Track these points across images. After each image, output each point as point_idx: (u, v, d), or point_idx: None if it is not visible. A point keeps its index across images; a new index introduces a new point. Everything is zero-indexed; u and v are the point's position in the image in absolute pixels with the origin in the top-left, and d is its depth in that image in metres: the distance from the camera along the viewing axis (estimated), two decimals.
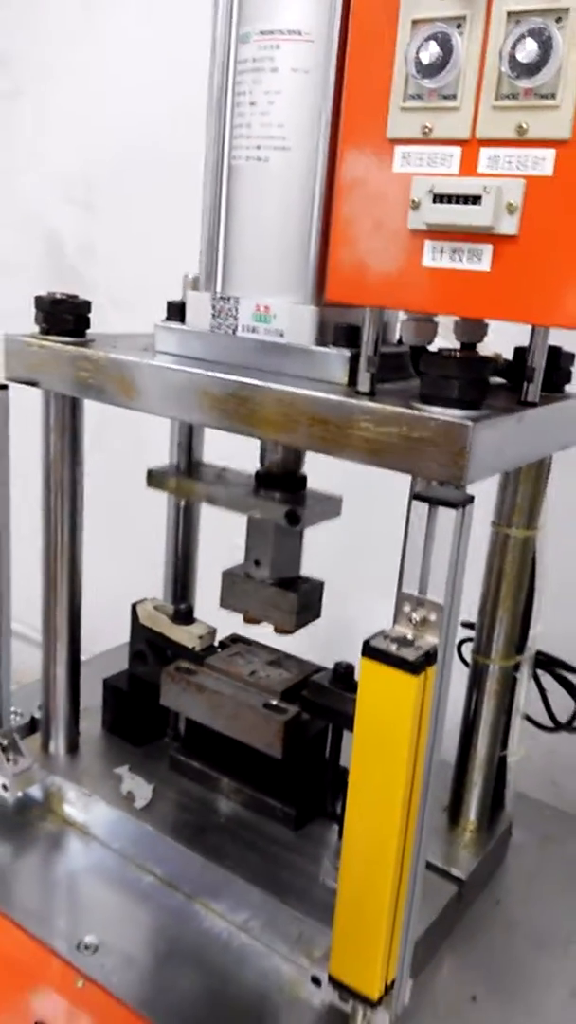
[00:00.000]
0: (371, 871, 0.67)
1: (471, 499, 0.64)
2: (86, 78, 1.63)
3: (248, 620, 0.98)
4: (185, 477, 1.03)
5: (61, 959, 0.82)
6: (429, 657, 0.62)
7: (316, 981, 0.75)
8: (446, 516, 0.62)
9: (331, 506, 0.95)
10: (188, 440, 1.08)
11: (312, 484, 0.95)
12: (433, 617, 0.64)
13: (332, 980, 0.71)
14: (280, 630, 0.96)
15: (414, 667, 0.61)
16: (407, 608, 0.65)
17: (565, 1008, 0.82)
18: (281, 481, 0.94)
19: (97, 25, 1.60)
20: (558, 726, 0.97)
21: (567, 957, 0.88)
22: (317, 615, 0.99)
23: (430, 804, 0.68)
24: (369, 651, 0.63)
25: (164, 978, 0.81)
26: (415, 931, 0.72)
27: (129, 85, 1.57)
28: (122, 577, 1.23)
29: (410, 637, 0.64)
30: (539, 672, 1.00)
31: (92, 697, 1.10)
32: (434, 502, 0.63)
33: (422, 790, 0.66)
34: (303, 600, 0.96)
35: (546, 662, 0.99)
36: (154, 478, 1.03)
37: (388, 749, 0.63)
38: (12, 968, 0.83)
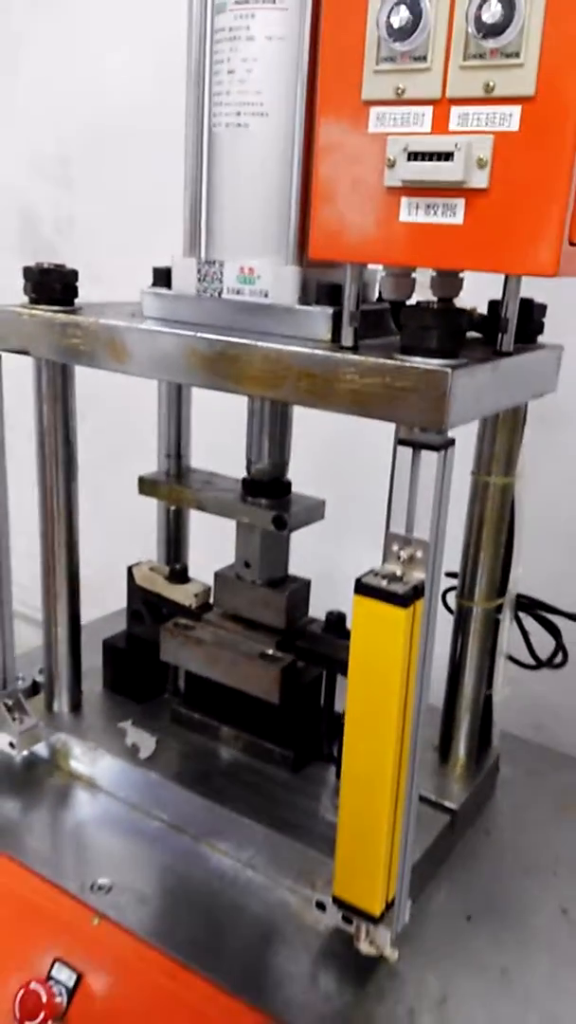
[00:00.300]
0: (370, 793, 0.71)
1: (452, 442, 0.68)
2: (57, 50, 1.64)
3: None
4: (176, 484, 1.07)
5: (76, 900, 0.86)
6: (417, 591, 0.67)
7: (321, 906, 0.80)
8: (429, 459, 0.66)
9: (315, 510, 1.00)
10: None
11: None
12: (420, 554, 0.68)
13: (336, 901, 0.76)
14: (272, 627, 1.01)
15: (403, 600, 0.65)
16: (395, 547, 0.69)
17: (554, 925, 0.88)
18: (267, 488, 0.99)
19: None
20: (540, 663, 1.02)
21: (555, 879, 0.93)
22: (305, 612, 1.04)
23: (422, 732, 0.72)
24: (361, 588, 0.67)
25: (176, 913, 0.86)
26: (412, 852, 0.77)
27: (102, 56, 1.57)
28: (111, 548, 1.26)
29: (399, 574, 0.68)
30: (522, 615, 1.04)
31: (91, 661, 1.13)
32: (417, 446, 0.67)
33: (414, 717, 0.70)
34: (292, 599, 1.01)
35: (528, 605, 1.04)
36: (146, 485, 1.07)
37: (381, 679, 0.68)
38: (29, 911, 0.87)
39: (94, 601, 1.17)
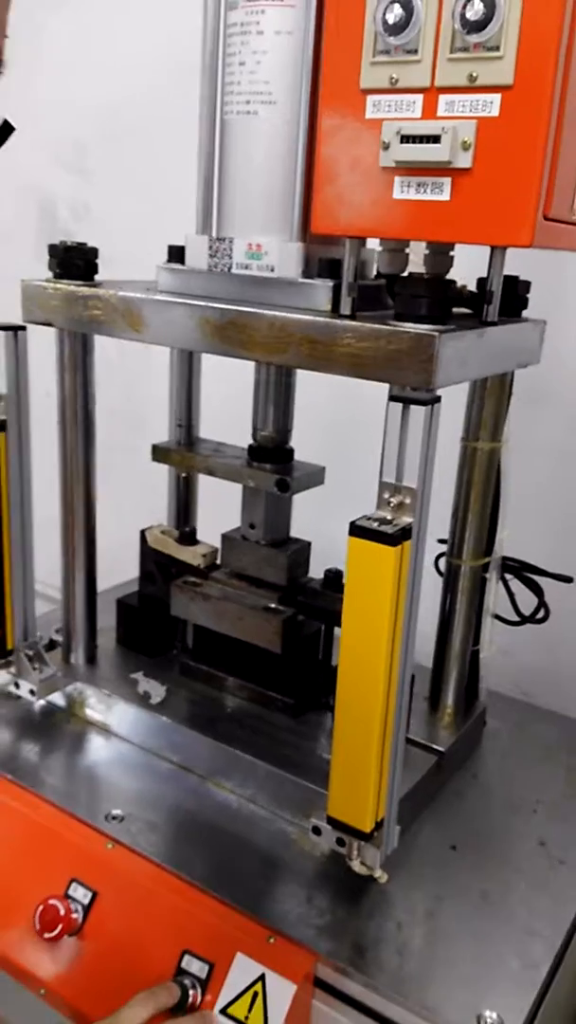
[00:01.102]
0: (361, 719, 0.78)
1: (438, 398, 0.75)
2: (77, 42, 1.71)
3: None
4: (186, 451, 1.13)
5: (91, 827, 0.94)
6: (405, 532, 0.74)
7: (316, 831, 0.87)
8: (417, 413, 0.73)
9: (316, 475, 1.07)
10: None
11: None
12: (408, 500, 0.75)
13: (330, 821, 0.83)
14: (274, 584, 1.08)
15: (392, 539, 0.72)
16: (387, 495, 0.76)
17: (533, 855, 0.95)
18: (271, 454, 1.06)
19: None
20: (523, 619, 1.08)
21: (535, 816, 1.01)
22: (306, 572, 1.11)
23: (410, 663, 0.79)
24: (355, 530, 0.74)
25: (184, 841, 0.93)
26: (400, 779, 0.84)
27: (118, 48, 1.64)
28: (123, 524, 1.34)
29: (389, 518, 0.75)
30: (509, 577, 1.11)
31: (106, 622, 1.21)
32: (407, 402, 0.74)
33: (402, 650, 0.77)
34: (293, 559, 1.08)
35: (517, 568, 1.11)
36: (159, 452, 1.14)
37: (373, 612, 0.75)
38: (48, 838, 0.94)
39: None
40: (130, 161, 1.67)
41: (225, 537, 1.11)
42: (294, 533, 1.12)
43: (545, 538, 1.24)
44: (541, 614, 1.08)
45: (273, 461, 1.05)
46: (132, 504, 1.33)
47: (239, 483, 1.06)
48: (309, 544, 1.10)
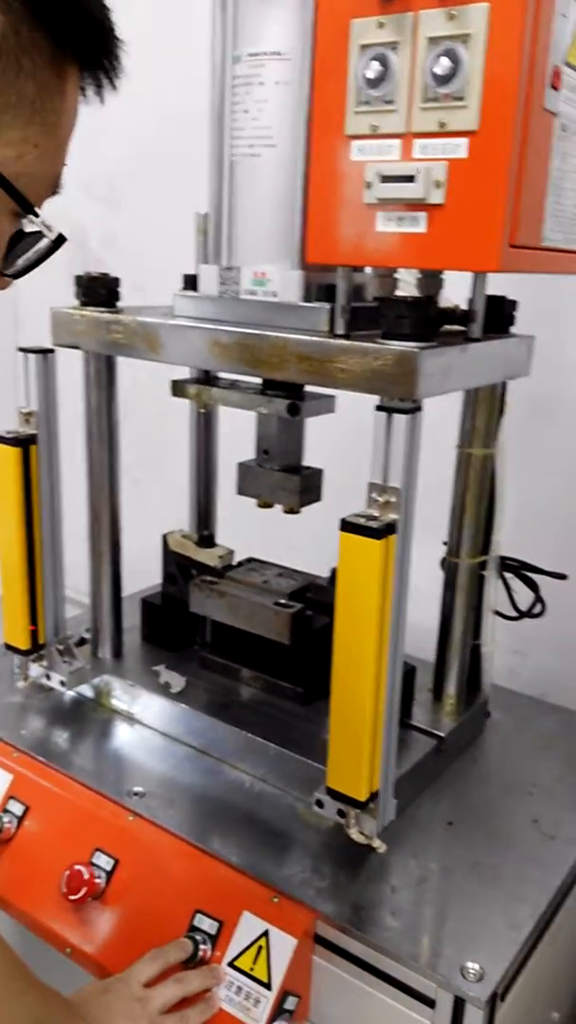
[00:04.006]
0: (354, 697, 0.86)
1: (419, 408, 0.83)
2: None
3: (262, 505, 1.15)
4: (203, 385, 1.15)
5: (114, 802, 1.03)
6: (390, 527, 0.82)
7: (319, 803, 0.95)
8: (399, 421, 0.82)
9: (326, 402, 1.09)
10: None
11: None
12: (394, 499, 0.84)
13: (329, 791, 0.91)
14: (288, 510, 1.13)
15: (378, 533, 0.81)
16: (374, 494, 0.84)
17: (525, 831, 1.02)
18: (283, 384, 1.06)
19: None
20: (521, 614, 1.16)
21: (530, 798, 1.07)
22: (318, 498, 1.14)
23: (401, 645, 0.87)
24: (345, 526, 0.83)
25: (199, 813, 1.02)
26: (394, 754, 0.92)
27: (142, 94, 1.76)
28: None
29: (376, 515, 0.84)
30: (508, 576, 1.19)
31: (131, 622, 1.31)
32: (391, 411, 0.82)
33: (392, 631, 0.85)
34: (305, 483, 1.12)
35: (517, 567, 1.18)
36: (178, 387, 1.15)
37: (362, 600, 0.83)
38: (75, 811, 1.03)
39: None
40: (159, 193, 1.78)
41: (241, 465, 1.15)
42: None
43: (556, 541, 1.31)
44: (538, 609, 1.15)
45: (284, 390, 1.07)
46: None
47: (252, 410, 1.10)
48: (321, 471, 1.14)
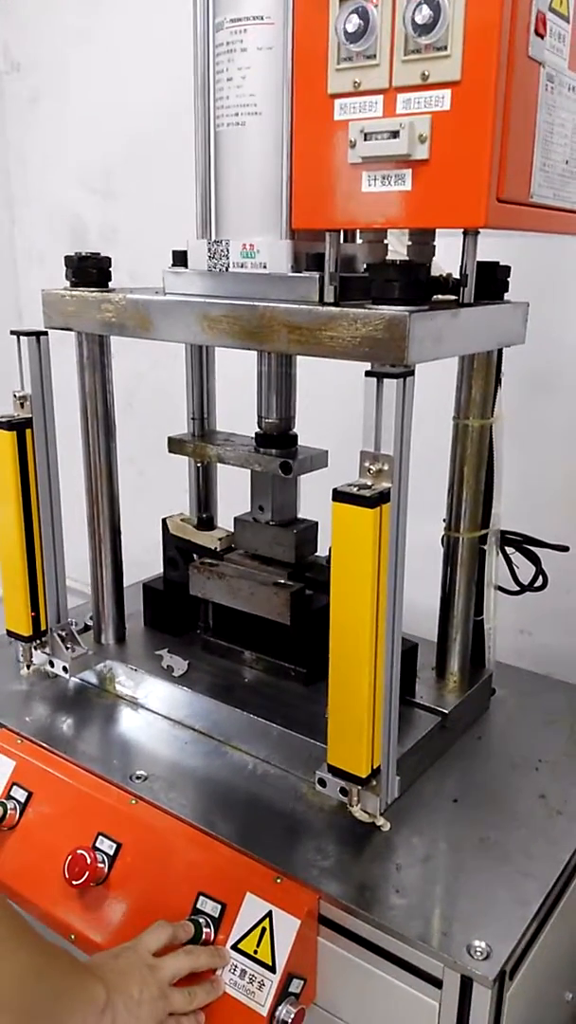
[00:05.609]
0: (351, 670, 0.84)
1: (411, 372, 0.81)
2: (98, 78, 1.82)
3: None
4: (199, 442, 1.21)
5: (117, 786, 1.01)
6: (383, 496, 0.80)
7: (322, 782, 0.93)
8: (390, 385, 0.80)
9: (319, 458, 1.13)
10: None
11: None
12: (386, 468, 0.81)
13: (330, 769, 0.90)
14: (284, 562, 1.16)
15: (371, 502, 0.79)
16: (367, 463, 0.82)
17: (532, 807, 0.99)
18: (276, 440, 1.13)
19: (105, 27, 1.78)
20: (523, 588, 1.13)
21: (536, 774, 1.05)
22: (315, 550, 1.18)
23: (397, 616, 0.85)
24: (337, 496, 0.81)
25: (202, 796, 1.00)
26: (395, 730, 0.90)
27: (136, 81, 1.75)
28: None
29: (369, 483, 0.82)
30: (510, 551, 1.16)
31: (133, 609, 1.29)
32: (381, 376, 0.80)
33: (388, 603, 0.83)
34: (301, 537, 1.15)
35: (519, 541, 1.16)
36: (174, 444, 1.21)
37: (357, 569, 0.81)
38: (78, 796, 1.02)
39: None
40: (155, 183, 1.77)
41: (237, 520, 1.19)
42: (306, 515, 1.19)
43: (558, 514, 1.29)
44: (539, 582, 1.12)
45: (278, 447, 1.12)
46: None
47: (247, 468, 1.13)
48: (316, 524, 1.16)
